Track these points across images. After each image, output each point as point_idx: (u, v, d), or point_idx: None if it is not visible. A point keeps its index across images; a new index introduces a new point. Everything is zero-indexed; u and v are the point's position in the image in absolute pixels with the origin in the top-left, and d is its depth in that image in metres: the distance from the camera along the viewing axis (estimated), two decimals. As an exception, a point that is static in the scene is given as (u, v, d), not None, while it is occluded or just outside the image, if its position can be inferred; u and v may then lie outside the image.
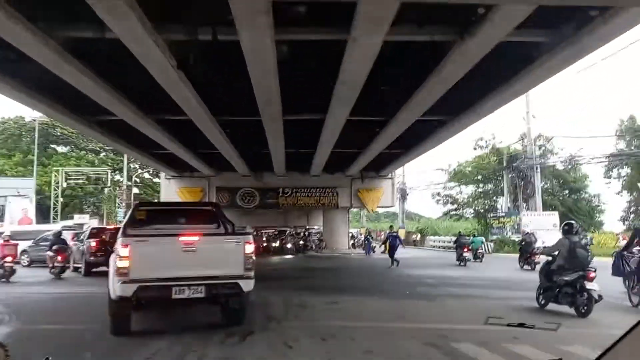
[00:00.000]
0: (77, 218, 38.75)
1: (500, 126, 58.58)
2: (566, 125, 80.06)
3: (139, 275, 6.57)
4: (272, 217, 48.42)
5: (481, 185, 39.10)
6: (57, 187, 36.33)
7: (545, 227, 26.00)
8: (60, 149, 50.14)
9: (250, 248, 7.13)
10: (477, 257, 21.97)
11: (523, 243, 19.36)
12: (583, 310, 8.40)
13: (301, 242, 30.69)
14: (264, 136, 17.44)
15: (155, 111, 15.22)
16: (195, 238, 6.94)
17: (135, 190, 47.34)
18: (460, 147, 75.67)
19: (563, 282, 8.54)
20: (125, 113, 14.43)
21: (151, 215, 7.92)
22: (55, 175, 37.00)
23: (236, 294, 7.10)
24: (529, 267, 17.64)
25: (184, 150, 20.59)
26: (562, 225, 9.97)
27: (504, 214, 33.51)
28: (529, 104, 30.26)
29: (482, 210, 38.21)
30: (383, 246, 28.21)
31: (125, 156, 45.53)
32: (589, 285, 8.24)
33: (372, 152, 21.71)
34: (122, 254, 6.60)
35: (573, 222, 9.98)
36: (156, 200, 36.82)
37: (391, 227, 22.06)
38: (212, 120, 15.36)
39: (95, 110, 14.79)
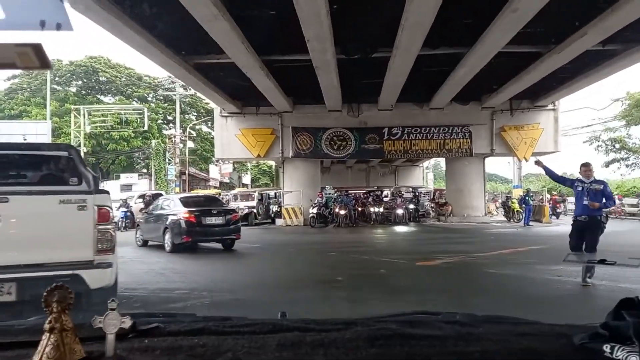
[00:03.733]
0: (125, 178, 32.31)
1: None
2: None
3: None
4: (352, 175, 39.49)
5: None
6: (79, 132, 27.78)
7: None
8: (109, 99, 43.48)
9: (105, 215, 4.32)
10: None
11: None
12: None
13: (411, 206, 21.52)
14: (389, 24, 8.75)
15: None
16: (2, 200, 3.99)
17: (190, 144, 40.09)
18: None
19: None
20: None
21: None
22: (76, 117, 28.11)
23: (80, 294, 3.54)
24: None
25: (248, 54, 11.99)
26: None
27: None
28: None
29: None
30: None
31: (178, 103, 38.49)
32: None
33: (556, 59, 12.34)
34: None
35: None
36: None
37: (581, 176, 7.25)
38: None
39: None
